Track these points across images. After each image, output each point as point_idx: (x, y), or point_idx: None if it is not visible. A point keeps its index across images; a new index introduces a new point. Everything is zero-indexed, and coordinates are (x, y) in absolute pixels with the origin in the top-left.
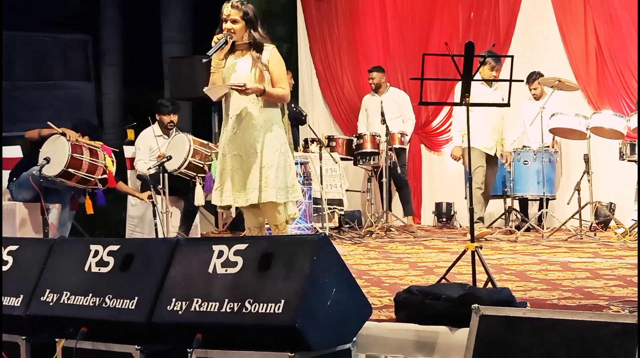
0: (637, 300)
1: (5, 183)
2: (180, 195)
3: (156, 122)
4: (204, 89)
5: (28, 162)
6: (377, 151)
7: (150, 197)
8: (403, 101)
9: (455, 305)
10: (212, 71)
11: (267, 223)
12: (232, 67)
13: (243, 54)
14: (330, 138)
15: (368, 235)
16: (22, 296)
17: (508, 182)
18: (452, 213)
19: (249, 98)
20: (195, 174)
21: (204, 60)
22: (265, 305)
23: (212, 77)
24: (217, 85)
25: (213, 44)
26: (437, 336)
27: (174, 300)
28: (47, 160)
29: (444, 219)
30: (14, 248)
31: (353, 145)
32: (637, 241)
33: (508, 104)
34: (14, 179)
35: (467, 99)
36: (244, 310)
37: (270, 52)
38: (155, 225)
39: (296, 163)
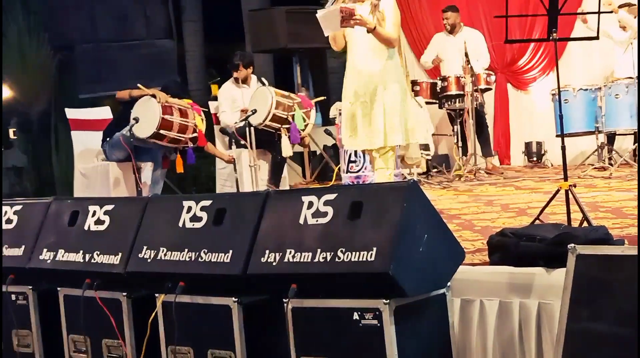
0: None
1: (99, 143)
2: (267, 148)
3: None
4: (317, 14)
5: (119, 122)
6: (462, 93)
7: (232, 160)
8: (478, 40)
9: (551, 246)
10: None
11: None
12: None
13: (363, 1)
14: (414, 82)
15: (457, 179)
16: (120, 254)
17: (599, 117)
18: (543, 152)
19: (370, 50)
20: (279, 126)
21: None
22: (357, 253)
23: None
24: (327, 9)
25: None
26: (533, 278)
27: (267, 251)
28: (137, 120)
29: (535, 159)
30: (110, 207)
31: (437, 88)
32: None
33: (597, 37)
34: (107, 139)
35: (554, 34)
36: (336, 259)
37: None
38: (237, 179)
39: None
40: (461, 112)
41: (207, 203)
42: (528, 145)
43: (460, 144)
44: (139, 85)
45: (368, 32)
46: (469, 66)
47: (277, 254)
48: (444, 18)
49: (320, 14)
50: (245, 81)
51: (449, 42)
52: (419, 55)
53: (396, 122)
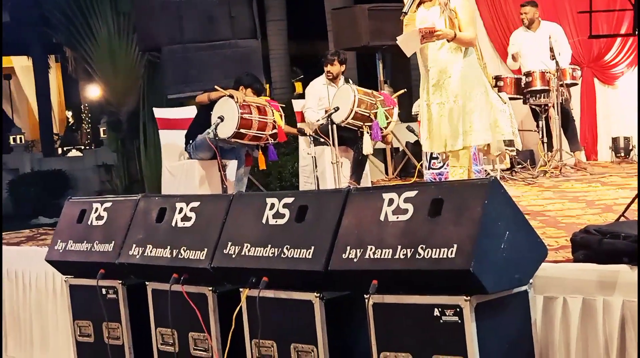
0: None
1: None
2: (349, 145)
3: (324, 72)
4: (397, 40)
5: (201, 124)
6: (547, 88)
7: (302, 133)
8: (558, 34)
9: (635, 243)
10: (405, 24)
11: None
12: (424, 18)
13: (432, 3)
14: (497, 78)
15: (542, 175)
16: (206, 250)
17: None
18: (630, 147)
19: (444, 48)
20: (362, 123)
21: (402, 17)
22: (438, 250)
23: (405, 29)
24: (406, 33)
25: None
26: (618, 275)
27: (348, 248)
28: (222, 119)
29: (622, 155)
30: (195, 204)
31: (522, 83)
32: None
33: None
34: (190, 142)
35: None
36: (417, 256)
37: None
38: (317, 177)
39: None
40: (546, 107)
41: (289, 200)
42: (615, 140)
43: (545, 139)
44: (216, 87)
45: (449, 41)
46: (554, 60)
47: (358, 250)
48: (521, 13)
49: (400, 39)
50: (336, 78)
51: (528, 37)
52: (502, 52)
53: (476, 123)
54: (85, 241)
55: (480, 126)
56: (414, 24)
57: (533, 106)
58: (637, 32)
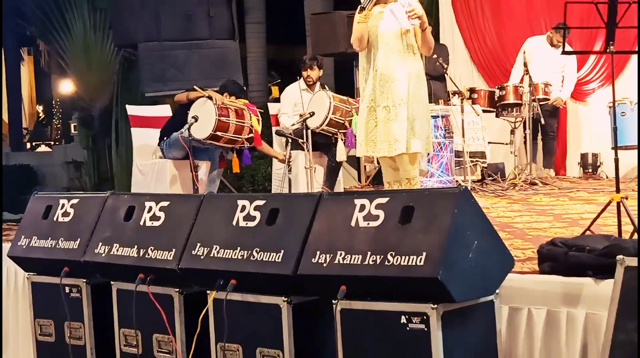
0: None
1: (156, 142)
2: (323, 151)
3: (301, 78)
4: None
5: (177, 122)
6: (519, 102)
7: (284, 160)
8: (571, 57)
9: (600, 257)
10: (359, 21)
11: None
12: (379, 16)
13: (387, 3)
14: (472, 90)
15: (511, 187)
16: (174, 250)
17: None
18: (598, 163)
19: (396, 53)
20: (336, 130)
21: (359, 12)
22: (407, 257)
23: (358, 27)
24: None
25: None
26: (582, 288)
27: (318, 252)
28: (196, 119)
29: (590, 171)
30: (165, 204)
31: (495, 97)
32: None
33: None
34: (164, 138)
35: (611, 46)
36: (386, 263)
37: (415, 3)
38: (290, 180)
39: (436, 116)
40: (518, 121)
41: (260, 202)
42: (584, 156)
43: (516, 153)
44: (195, 87)
45: (422, 29)
46: (527, 75)
47: (327, 255)
48: (554, 37)
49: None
50: (314, 84)
51: (539, 48)
52: (478, 65)
53: (421, 130)
54: (49, 238)
55: (421, 134)
56: (366, 24)
57: (506, 119)
58: (609, 50)
